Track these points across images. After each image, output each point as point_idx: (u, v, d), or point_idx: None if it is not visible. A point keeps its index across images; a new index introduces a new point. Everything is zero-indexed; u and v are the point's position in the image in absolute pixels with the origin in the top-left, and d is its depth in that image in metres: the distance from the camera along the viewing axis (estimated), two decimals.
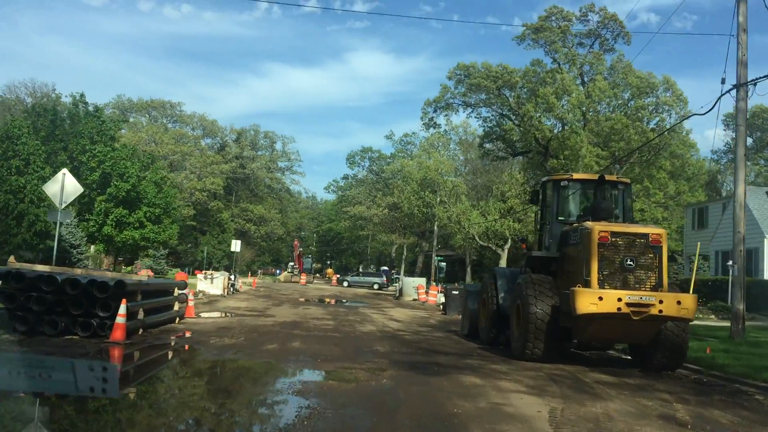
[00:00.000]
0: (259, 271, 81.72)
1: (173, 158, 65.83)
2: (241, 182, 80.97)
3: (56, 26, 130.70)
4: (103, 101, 79.92)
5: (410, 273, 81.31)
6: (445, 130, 73.87)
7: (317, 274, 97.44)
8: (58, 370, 9.39)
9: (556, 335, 11.62)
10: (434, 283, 43.29)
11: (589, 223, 11.42)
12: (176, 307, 15.69)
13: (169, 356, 11.33)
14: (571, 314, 10.86)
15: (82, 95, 34.16)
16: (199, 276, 29.29)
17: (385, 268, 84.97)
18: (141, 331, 12.70)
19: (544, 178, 14.56)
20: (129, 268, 57.64)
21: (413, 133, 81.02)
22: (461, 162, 66.50)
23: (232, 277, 33.07)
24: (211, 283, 28.95)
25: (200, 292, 28.13)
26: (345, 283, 63.36)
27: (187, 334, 13.51)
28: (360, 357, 11.51)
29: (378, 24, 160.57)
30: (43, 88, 59.58)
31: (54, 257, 17.43)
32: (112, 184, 32.21)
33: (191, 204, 68.69)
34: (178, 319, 15.66)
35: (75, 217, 29.50)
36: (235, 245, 48.96)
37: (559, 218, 13.36)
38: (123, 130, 67.28)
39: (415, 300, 38.92)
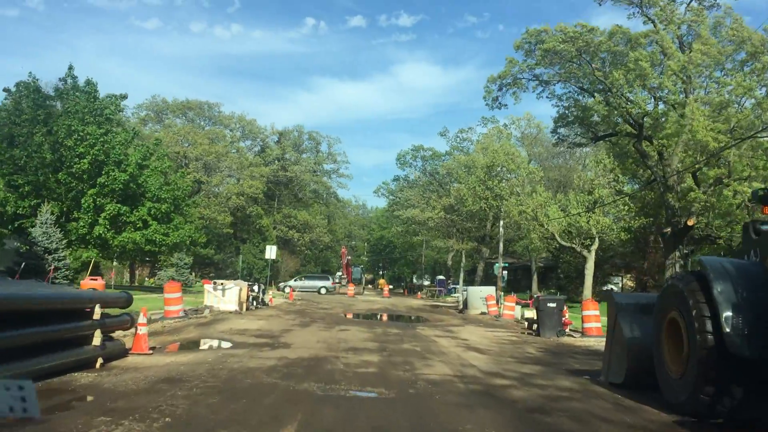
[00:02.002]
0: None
1: (207, 159, 60.00)
2: (284, 186, 74.86)
3: (114, 49, 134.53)
4: (137, 102, 75.65)
5: (469, 282, 73.50)
6: (505, 124, 66.58)
7: (369, 285, 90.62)
8: None
9: None
10: (506, 293, 35.73)
11: None
12: (96, 340, 8.77)
13: None
14: None
15: (70, 67, 28.06)
16: (207, 287, 22.50)
17: (441, 277, 77.23)
18: None
19: None
20: (152, 281, 51.68)
21: (469, 128, 73.59)
22: (524, 159, 58.59)
23: (256, 288, 26.27)
24: (222, 296, 22.18)
25: (206, 308, 21.40)
26: (286, 290, 54.90)
27: (69, 403, 6.53)
28: None
29: (424, 36, 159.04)
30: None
31: None
32: (104, 173, 25.89)
33: (228, 209, 62.76)
34: (100, 361, 8.75)
35: (53, 214, 23.28)
36: (270, 252, 42.41)
37: None
38: (150, 126, 62.21)
39: (483, 314, 31.52)
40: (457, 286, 77.60)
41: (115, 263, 49.51)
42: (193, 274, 57.01)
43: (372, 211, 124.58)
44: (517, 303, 28.29)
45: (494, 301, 31.71)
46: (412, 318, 27.44)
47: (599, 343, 16.58)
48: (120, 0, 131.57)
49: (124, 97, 28.11)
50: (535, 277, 66.71)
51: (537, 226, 34.86)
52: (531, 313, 22.84)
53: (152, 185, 27.40)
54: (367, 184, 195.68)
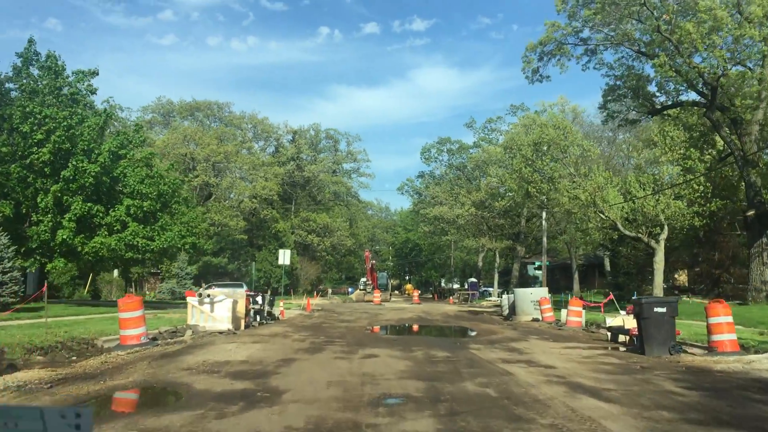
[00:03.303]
0: (329, 290, 70.37)
1: (216, 159, 55.21)
2: (300, 188, 69.94)
3: (132, 66, 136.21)
4: (144, 103, 71.34)
5: (503, 284, 67.91)
6: (536, 111, 60.89)
7: (395, 291, 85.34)
8: None
9: None
10: (569, 294, 30.30)
11: None
12: None
13: None
14: None
15: (30, 40, 23.03)
16: (190, 300, 17.29)
17: (473, 280, 71.53)
18: None
19: None
20: (152, 294, 46.79)
21: (498, 117, 68.20)
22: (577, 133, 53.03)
23: (260, 299, 21.11)
24: (210, 312, 17.03)
25: (189, 328, 16.27)
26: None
27: None
28: None
29: (438, 39, 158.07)
30: None
31: None
32: (70, 164, 20.98)
33: (241, 214, 57.90)
34: None
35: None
36: (284, 256, 37.43)
37: None
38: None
39: (536, 320, 26.21)
40: (491, 289, 72.25)
41: (115, 275, 44.89)
42: (203, 284, 52.32)
43: (395, 213, 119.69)
44: (584, 307, 22.82)
45: (549, 305, 26.33)
46: (455, 329, 22.17)
47: (752, 366, 11.12)
48: (136, 18, 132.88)
49: (94, 73, 23.23)
50: (576, 276, 61.11)
51: (594, 213, 29.30)
52: (616, 320, 17.45)
53: (131, 179, 22.40)
54: (388, 190, 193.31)
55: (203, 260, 56.41)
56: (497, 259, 66.96)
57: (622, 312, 18.99)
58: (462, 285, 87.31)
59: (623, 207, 29.46)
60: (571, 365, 11.25)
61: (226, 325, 16.95)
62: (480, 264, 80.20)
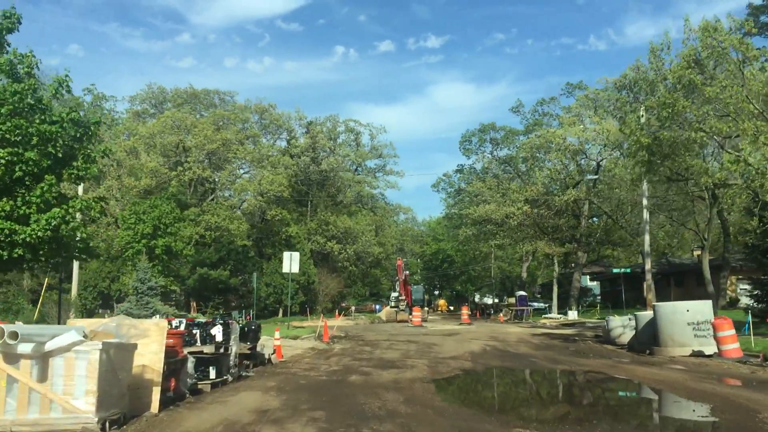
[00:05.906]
0: (352, 308, 59.39)
1: (210, 148, 44.56)
2: (317, 186, 59.08)
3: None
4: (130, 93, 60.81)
5: (563, 298, 56.45)
6: (595, 89, 49.43)
7: (427, 308, 74.05)
8: None
9: None
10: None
11: None
12: None
13: None
14: None
15: None
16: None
17: (522, 293, 59.47)
18: None
19: None
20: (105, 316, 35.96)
21: (551, 98, 56.72)
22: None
23: (218, 332, 10.20)
24: (35, 380, 6.13)
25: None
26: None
27: None
28: None
29: (453, 56, 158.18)
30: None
31: None
32: None
33: (243, 215, 47.19)
34: None
35: None
36: (289, 261, 26.46)
37: None
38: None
39: (698, 355, 15.48)
40: (536, 304, 60.72)
41: (74, 295, 34.26)
42: (194, 304, 41.61)
43: (423, 224, 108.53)
44: None
45: (732, 331, 15.27)
46: (622, 396, 11.14)
47: None
48: (155, 42, 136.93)
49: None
50: (651, 286, 49.36)
51: None
52: None
53: None
54: (412, 202, 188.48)
55: (199, 273, 45.81)
56: (556, 268, 55.59)
57: None
58: (500, 299, 76.09)
59: None
60: None
61: (84, 415, 6.00)
62: (524, 275, 69.32)
